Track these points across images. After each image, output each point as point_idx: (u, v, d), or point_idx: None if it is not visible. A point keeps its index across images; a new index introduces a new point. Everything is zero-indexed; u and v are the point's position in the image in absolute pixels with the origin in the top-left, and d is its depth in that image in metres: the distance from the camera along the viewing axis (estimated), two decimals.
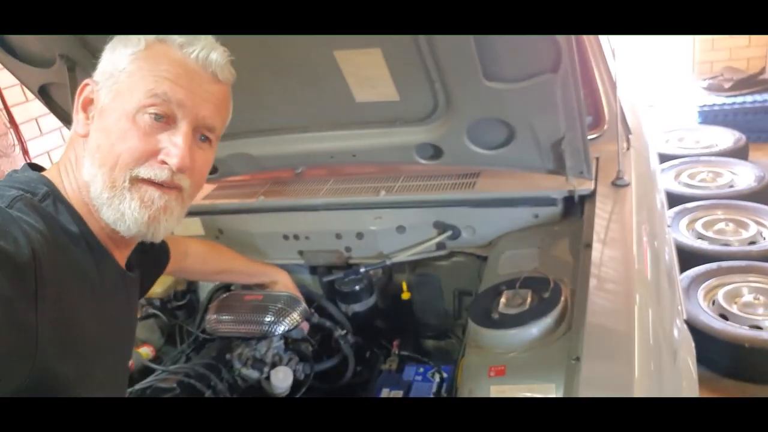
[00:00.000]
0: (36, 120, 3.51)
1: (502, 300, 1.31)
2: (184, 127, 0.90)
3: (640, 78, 4.75)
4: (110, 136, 0.88)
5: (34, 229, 0.77)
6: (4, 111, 3.26)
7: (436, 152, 1.63)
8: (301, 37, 1.39)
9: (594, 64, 1.82)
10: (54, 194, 0.88)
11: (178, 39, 0.90)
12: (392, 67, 1.42)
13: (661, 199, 2.09)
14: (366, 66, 1.44)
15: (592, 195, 1.56)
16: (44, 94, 1.67)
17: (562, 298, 1.25)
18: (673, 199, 3.35)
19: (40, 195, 0.86)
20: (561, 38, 1.24)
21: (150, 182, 0.89)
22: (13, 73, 1.61)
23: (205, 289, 1.94)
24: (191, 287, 1.94)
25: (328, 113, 1.63)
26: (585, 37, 1.74)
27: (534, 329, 1.20)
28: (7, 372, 0.71)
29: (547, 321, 1.21)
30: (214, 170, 1.87)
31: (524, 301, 1.28)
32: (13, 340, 0.70)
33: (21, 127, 3.36)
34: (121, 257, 0.99)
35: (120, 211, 0.88)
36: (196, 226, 1.95)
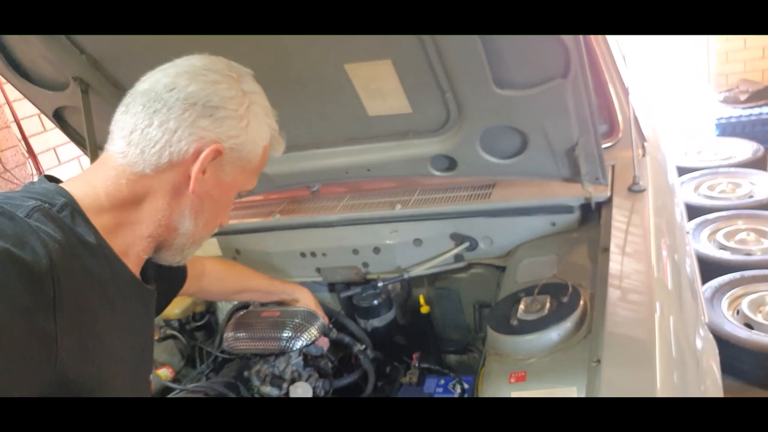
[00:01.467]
0: (54, 150, 3.59)
1: (521, 306, 1.29)
2: None
3: (656, 92, 4.74)
4: (219, 205, 1.00)
5: (51, 239, 0.77)
6: (22, 141, 3.33)
7: (450, 164, 1.63)
8: (311, 53, 1.41)
9: (606, 72, 1.81)
10: (71, 205, 0.88)
11: (277, 149, 1.05)
12: (403, 78, 1.43)
13: (680, 211, 2.06)
14: (377, 78, 1.45)
15: (608, 201, 1.55)
16: (59, 118, 1.71)
17: (581, 302, 1.23)
18: (694, 211, 3.31)
19: (58, 206, 0.86)
20: (569, 42, 1.24)
21: None
22: (28, 98, 1.65)
23: (224, 310, 1.94)
24: (210, 308, 1.94)
25: (341, 128, 1.64)
26: (595, 43, 1.75)
27: (553, 334, 1.19)
28: (27, 380, 0.71)
29: (567, 325, 1.19)
30: None
31: (543, 307, 1.26)
32: (33, 348, 0.71)
33: (39, 157, 3.44)
34: (136, 269, 1.00)
35: (185, 255, 1.03)
36: (213, 247, 1.96)
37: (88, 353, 0.81)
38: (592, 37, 1.74)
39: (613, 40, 1.92)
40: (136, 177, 0.91)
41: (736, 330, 2.42)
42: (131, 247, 0.95)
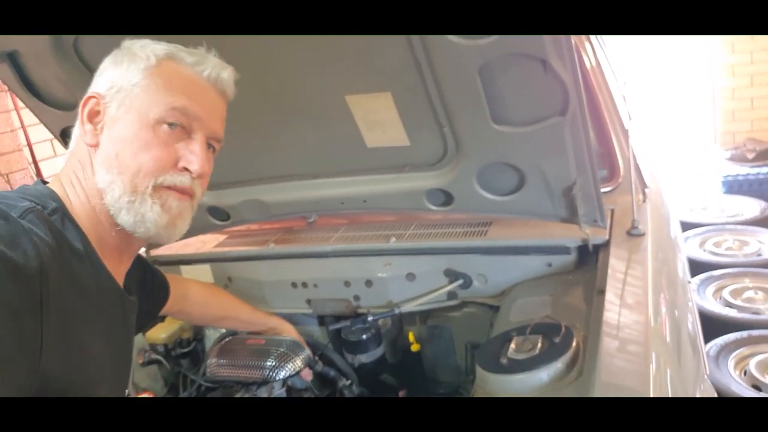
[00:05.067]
0: None
1: (512, 345, 1.25)
2: (200, 137, 0.96)
3: (662, 146, 4.76)
4: (131, 145, 0.92)
5: (43, 242, 0.79)
6: (32, 164, 3.38)
7: (447, 198, 1.61)
8: (313, 83, 1.43)
9: (607, 116, 1.82)
10: (62, 210, 0.90)
11: (188, 58, 0.96)
12: (402, 111, 1.44)
13: (683, 264, 2.03)
14: (377, 110, 1.46)
15: (606, 244, 1.52)
16: (65, 136, 1.73)
17: (574, 343, 1.19)
18: (699, 267, 3.26)
19: (50, 209, 0.88)
20: (568, 80, 1.24)
21: (171, 188, 0.94)
22: (37, 116, 1.67)
23: (212, 338, 1.91)
24: (197, 335, 1.91)
25: (339, 159, 1.64)
26: (595, 85, 1.76)
27: (544, 374, 1.14)
28: (10, 380, 0.70)
29: (558, 366, 1.15)
30: (226, 217, 1.88)
31: (534, 347, 1.22)
32: (17, 349, 0.71)
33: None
34: (118, 277, 0.99)
35: (141, 214, 0.92)
36: (206, 274, 1.94)
37: (71, 358, 0.81)
38: (592, 79, 1.76)
39: (616, 85, 1.93)
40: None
41: (743, 391, 2.34)
42: (115, 251, 0.96)
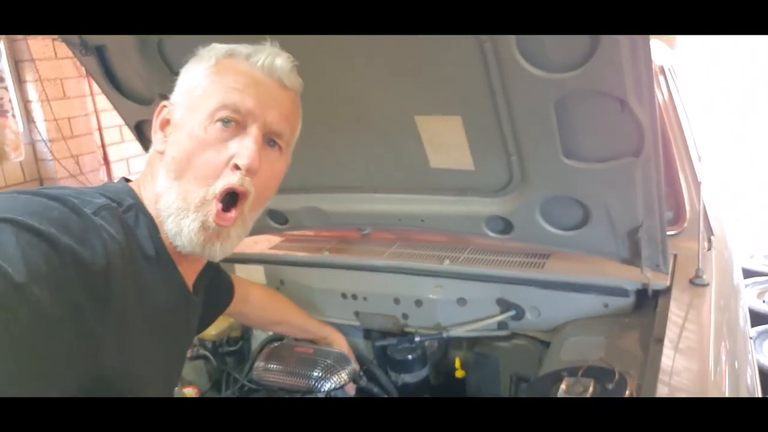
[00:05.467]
0: (127, 160, 3.77)
1: (562, 387, 1.23)
2: (254, 131, 0.92)
3: (726, 190, 4.58)
4: (186, 149, 0.91)
5: (112, 239, 0.79)
6: (101, 149, 3.51)
7: (506, 226, 1.60)
8: (384, 100, 1.44)
9: (678, 159, 1.77)
10: (137, 208, 0.91)
11: (244, 50, 0.94)
12: (470, 136, 1.43)
13: (744, 314, 1.95)
14: (445, 133, 1.45)
15: (667, 291, 1.48)
16: (139, 130, 1.79)
17: (627, 392, 1.16)
18: (757, 318, 3.12)
19: (125, 206, 0.89)
20: (645, 122, 1.21)
21: (220, 198, 0.90)
22: (115, 107, 1.74)
23: (258, 339, 1.94)
24: (245, 335, 1.94)
25: (401, 176, 1.64)
26: (669, 128, 1.71)
27: None
28: (69, 373, 0.72)
29: None
30: (284, 221, 1.91)
31: (585, 390, 1.19)
32: (78, 344, 0.72)
33: (113, 165, 3.62)
34: (189, 277, 1.00)
35: (180, 227, 0.90)
36: (259, 274, 1.97)
37: (128, 355, 0.82)
38: (666, 122, 1.71)
39: (688, 122, 1.87)
40: None
41: None
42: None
